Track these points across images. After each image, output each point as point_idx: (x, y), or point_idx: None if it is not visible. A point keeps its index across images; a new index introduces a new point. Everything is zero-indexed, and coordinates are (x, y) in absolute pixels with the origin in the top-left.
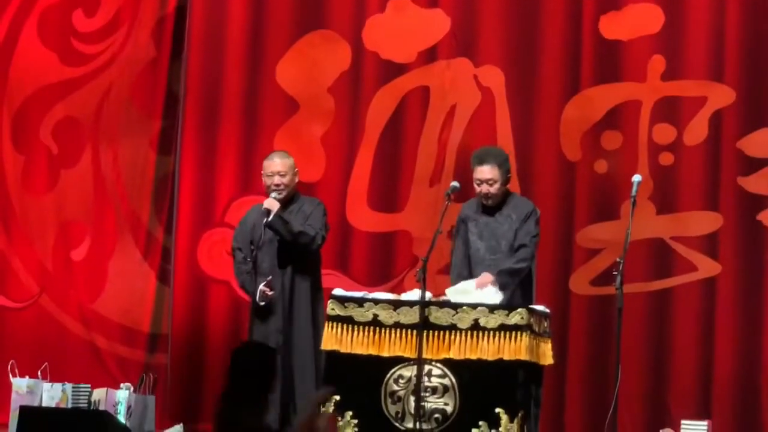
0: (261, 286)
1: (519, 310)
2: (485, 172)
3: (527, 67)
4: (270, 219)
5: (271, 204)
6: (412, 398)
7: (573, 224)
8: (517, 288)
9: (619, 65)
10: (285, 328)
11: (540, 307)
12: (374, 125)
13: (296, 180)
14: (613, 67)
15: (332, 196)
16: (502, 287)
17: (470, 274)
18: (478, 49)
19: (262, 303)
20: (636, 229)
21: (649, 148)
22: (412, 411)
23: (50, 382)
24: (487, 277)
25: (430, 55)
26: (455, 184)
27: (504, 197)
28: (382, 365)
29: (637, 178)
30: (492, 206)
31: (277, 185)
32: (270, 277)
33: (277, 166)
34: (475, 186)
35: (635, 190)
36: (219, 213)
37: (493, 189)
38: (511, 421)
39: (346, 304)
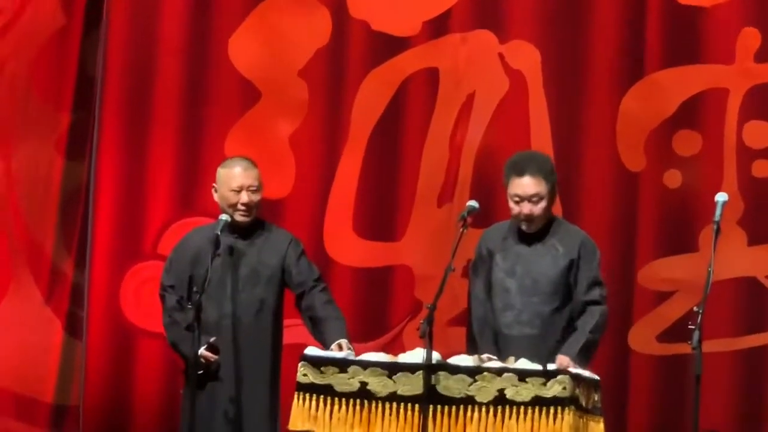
0: (202, 350)
1: (559, 377)
2: (528, 185)
3: (571, 44)
4: None
5: None
6: None
7: (634, 258)
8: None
9: (699, 41)
10: (237, 397)
11: (587, 373)
12: (363, 122)
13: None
14: (690, 44)
15: (305, 217)
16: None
17: (495, 326)
18: (504, 18)
19: (200, 372)
20: (720, 265)
21: (738, 154)
22: None
23: None
24: (563, 360)
25: (439, 26)
26: (473, 203)
27: (548, 222)
28: None
29: (722, 197)
30: (531, 233)
31: (246, 205)
32: (214, 338)
33: (245, 178)
34: (512, 205)
35: (719, 213)
36: (149, 241)
37: (538, 209)
38: None
39: (322, 369)
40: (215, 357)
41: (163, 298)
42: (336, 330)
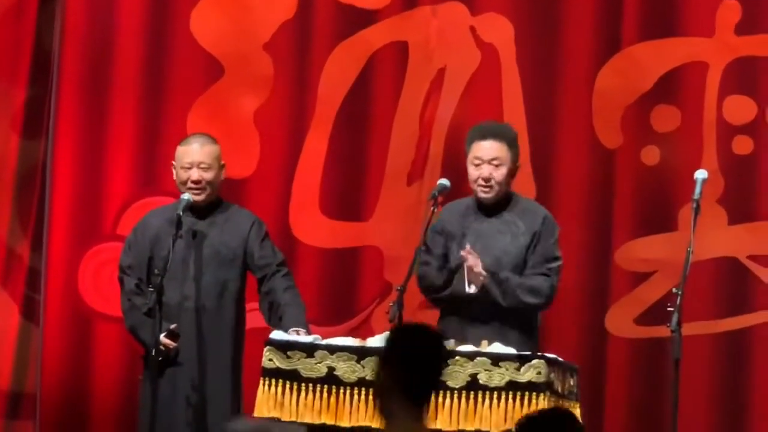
0: (162, 337)
1: (534, 362)
2: (490, 148)
3: (545, 16)
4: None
5: None
6: None
7: (611, 238)
8: (512, 329)
9: (677, 14)
10: (199, 382)
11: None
12: (330, 97)
13: (222, 177)
14: (668, 17)
15: (269, 197)
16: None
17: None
18: None
19: (160, 359)
20: (700, 245)
21: (718, 130)
22: None
23: None
24: (475, 260)
25: None
26: (444, 181)
27: (507, 197)
28: None
29: (701, 174)
30: (490, 204)
31: (196, 182)
32: (175, 324)
33: (196, 154)
34: (471, 170)
35: (699, 191)
36: (109, 221)
37: (498, 174)
38: None
39: (289, 353)
40: (175, 344)
41: (121, 281)
42: (294, 317)
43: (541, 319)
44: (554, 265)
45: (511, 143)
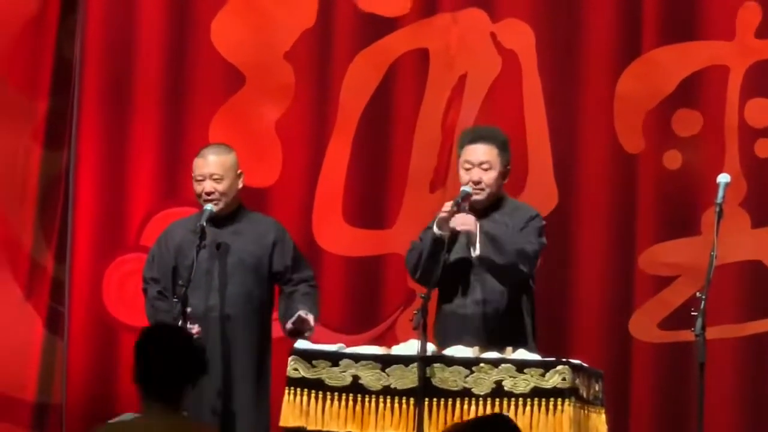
0: None
1: (559, 368)
2: (480, 151)
3: (566, 22)
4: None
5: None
6: None
7: (634, 242)
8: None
9: (697, 17)
10: (226, 391)
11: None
12: (351, 106)
13: (239, 185)
14: (688, 20)
15: (292, 206)
16: (482, 246)
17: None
18: None
19: None
20: (723, 248)
21: (740, 133)
22: None
23: None
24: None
25: (429, 6)
26: (467, 188)
27: (497, 199)
28: None
29: (724, 178)
30: (481, 206)
31: (209, 194)
32: (197, 327)
33: (208, 166)
34: (462, 173)
35: (722, 195)
36: (132, 232)
37: (488, 177)
38: None
39: (314, 363)
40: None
41: (145, 291)
42: (305, 303)
43: (533, 312)
44: (540, 239)
45: (501, 146)
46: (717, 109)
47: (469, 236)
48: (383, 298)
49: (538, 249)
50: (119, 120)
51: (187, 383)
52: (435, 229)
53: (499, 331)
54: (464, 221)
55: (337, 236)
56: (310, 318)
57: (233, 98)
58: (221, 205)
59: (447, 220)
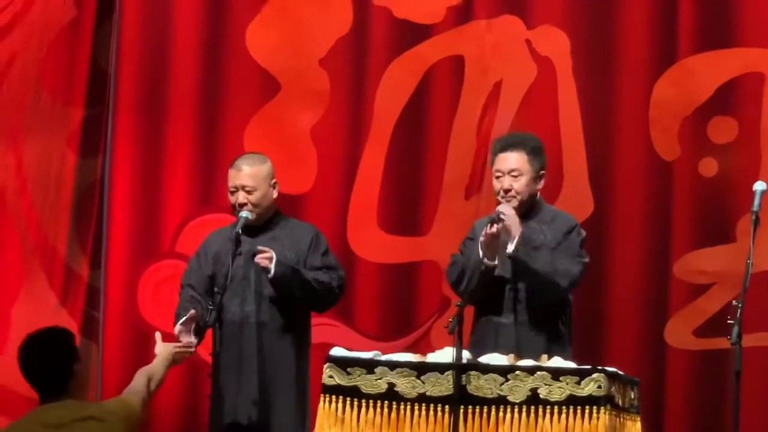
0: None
1: (595, 375)
2: (509, 159)
3: (601, 29)
4: (273, 273)
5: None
6: None
7: (669, 250)
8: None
9: (733, 24)
10: (262, 398)
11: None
12: (386, 112)
13: (274, 194)
14: (723, 27)
15: (327, 212)
16: (522, 257)
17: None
18: (531, 3)
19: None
20: (759, 256)
21: None
22: None
23: None
24: (514, 216)
25: (464, 13)
26: (499, 210)
27: (532, 205)
28: None
29: (760, 186)
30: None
31: (242, 205)
32: (194, 339)
33: (240, 178)
34: (494, 182)
35: (758, 202)
36: (167, 239)
37: (518, 184)
38: None
39: (349, 370)
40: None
41: (180, 295)
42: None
43: (571, 331)
44: (582, 259)
45: (532, 152)
46: (753, 116)
47: (509, 233)
48: (418, 305)
49: (582, 270)
50: (154, 127)
51: (66, 372)
52: (483, 259)
53: (535, 339)
54: (511, 220)
55: (372, 243)
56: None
57: (268, 105)
58: (255, 215)
59: (488, 244)
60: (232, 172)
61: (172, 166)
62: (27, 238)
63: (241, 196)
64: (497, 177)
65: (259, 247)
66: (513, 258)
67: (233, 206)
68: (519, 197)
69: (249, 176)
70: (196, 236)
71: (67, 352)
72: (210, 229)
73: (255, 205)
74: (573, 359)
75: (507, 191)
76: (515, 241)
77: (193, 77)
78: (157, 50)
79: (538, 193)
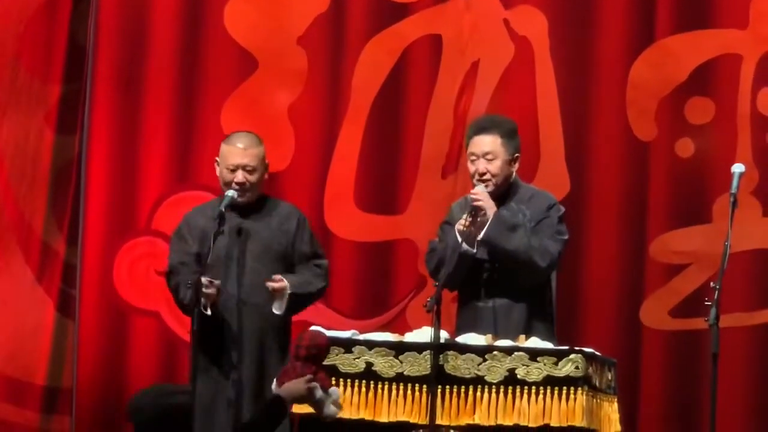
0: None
1: (572, 356)
2: (483, 142)
3: (579, 9)
4: (284, 310)
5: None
6: None
7: (645, 230)
8: (529, 320)
9: (711, 5)
10: (247, 379)
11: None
12: (363, 91)
13: (266, 176)
14: (701, 8)
15: (304, 191)
16: (495, 236)
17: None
18: None
19: (208, 311)
20: (735, 237)
21: (752, 122)
22: None
23: None
24: (488, 198)
25: None
26: (473, 196)
27: (508, 187)
28: None
29: (738, 168)
30: (492, 196)
31: (241, 184)
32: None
33: (243, 157)
34: (469, 165)
35: (736, 185)
36: (144, 216)
37: (493, 167)
38: None
39: None
40: (213, 288)
41: (171, 274)
42: (300, 274)
43: (555, 310)
44: (561, 237)
45: (506, 135)
46: (730, 97)
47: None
48: (394, 284)
49: (561, 249)
50: (132, 104)
51: None
52: (462, 245)
53: (515, 322)
54: (485, 200)
55: (349, 221)
56: (283, 284)
57: (246, 83)
58: (248, 196)
59: (465, 233)
60: (231, 150)
61: (149, 143)
62: (3, 214)
63: (241, 176)
64: (472, 160)
65: (275, 277)
66: (486, 241)
67: (227, 183)
68: (494, 180)
69: (252, 156)
70: (172, 213)
71: None
72: (187, 206)
73: (253, 185)
74: (556, 341)
75: (482, 174)
76: (487, 225)
77: (170, 54)
78: (135, 27)
79: (514, 174)
